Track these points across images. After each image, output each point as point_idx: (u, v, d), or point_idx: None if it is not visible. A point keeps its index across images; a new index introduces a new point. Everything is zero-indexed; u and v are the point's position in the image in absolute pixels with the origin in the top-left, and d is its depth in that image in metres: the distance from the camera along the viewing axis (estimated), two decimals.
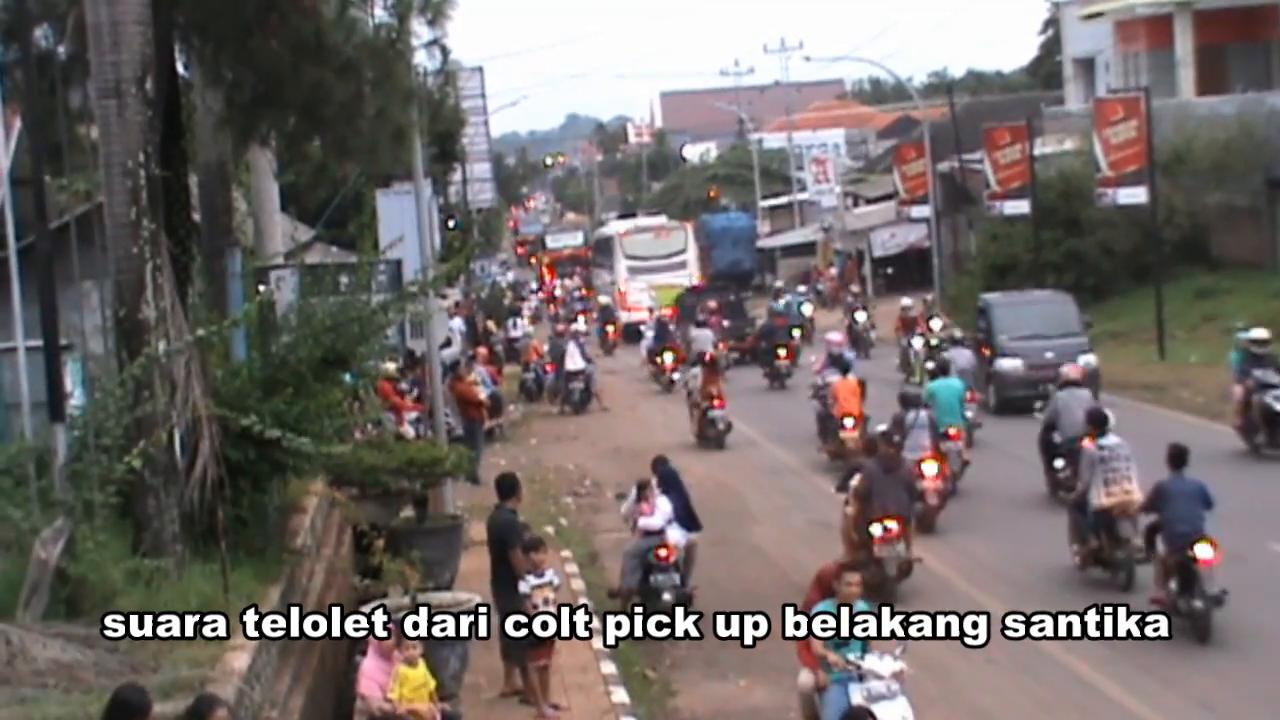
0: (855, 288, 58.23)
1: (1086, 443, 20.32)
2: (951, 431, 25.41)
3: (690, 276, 62.71)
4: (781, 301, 52.56)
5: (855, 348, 42.52)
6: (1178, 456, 18.20)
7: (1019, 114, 51.12)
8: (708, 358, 35.29)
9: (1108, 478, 19.48)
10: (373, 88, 15.01)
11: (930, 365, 31.90)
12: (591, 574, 22.04)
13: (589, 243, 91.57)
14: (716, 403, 32.85)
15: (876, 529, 19.42)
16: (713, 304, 50.10)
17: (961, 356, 31.54)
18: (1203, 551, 17.03)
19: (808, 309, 50.40)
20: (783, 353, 43.01)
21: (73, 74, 14.54)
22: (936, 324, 41.57)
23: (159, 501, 12.29)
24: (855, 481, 20.25)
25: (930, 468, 22.92)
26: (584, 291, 76.49)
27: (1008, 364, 33.97)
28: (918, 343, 39.09)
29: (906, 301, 43.75)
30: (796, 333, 47.15)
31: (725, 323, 49.00)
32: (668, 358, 44.03)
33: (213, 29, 14.44)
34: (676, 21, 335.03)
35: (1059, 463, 23.50)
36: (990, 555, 21.78)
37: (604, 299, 65.15)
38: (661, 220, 72.77)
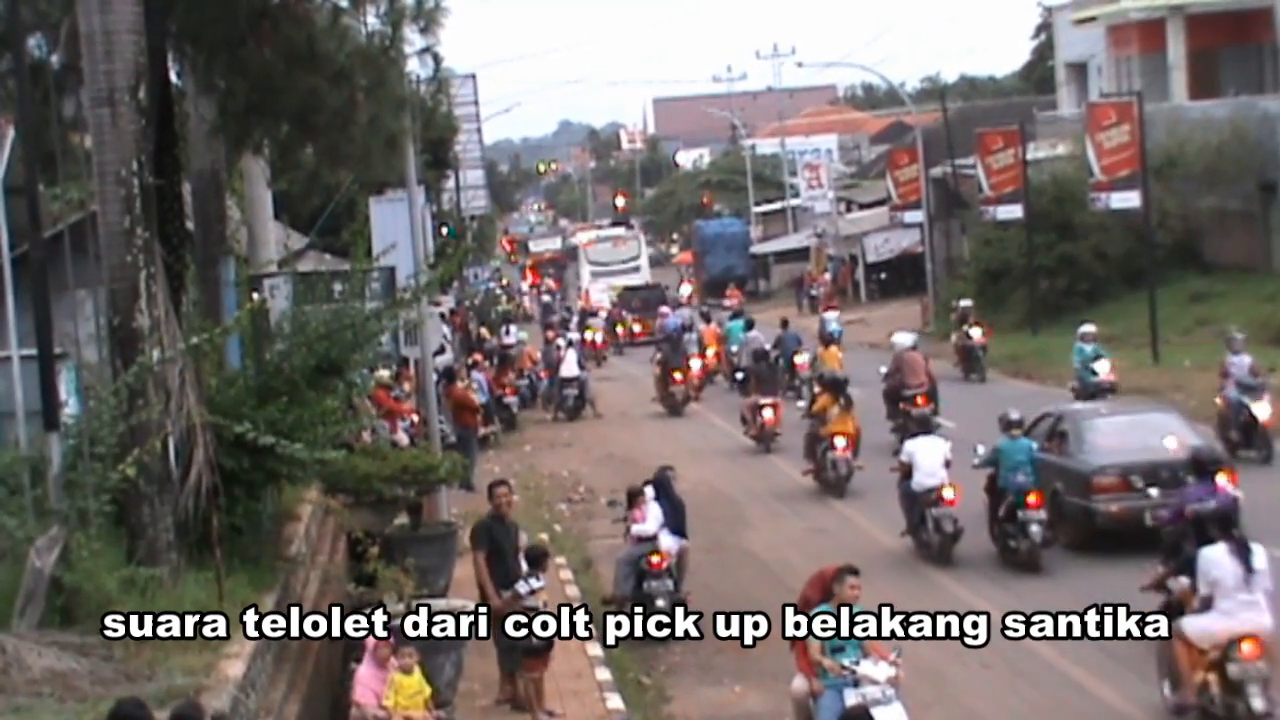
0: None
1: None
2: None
3: (643, 278, 73.16)
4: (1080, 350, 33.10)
5: None
6: (749, 323, 41.03)
7: (1012, 119, 51.14)
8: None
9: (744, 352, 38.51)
10: (366, 95, 15.03)
11: None
12: (586, 580, 22.04)
13: (564, 248, 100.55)
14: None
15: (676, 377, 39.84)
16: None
17: None
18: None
19: (1103, 366, 32.15)
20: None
21: (66, 83, 14.54)
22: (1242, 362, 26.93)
23: (153, 510, 12.27)
24: (659, 355, 40.83)
25: (694, 363, 41.76)
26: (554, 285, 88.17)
27: None
28: None
29: None
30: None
31: (629, 314, 62.80)
32: (596, 337, 56.76)
33: (205, 37, 14.45)
34: (669, 28, 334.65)
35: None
36: None
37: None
38: (620, 231, 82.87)
